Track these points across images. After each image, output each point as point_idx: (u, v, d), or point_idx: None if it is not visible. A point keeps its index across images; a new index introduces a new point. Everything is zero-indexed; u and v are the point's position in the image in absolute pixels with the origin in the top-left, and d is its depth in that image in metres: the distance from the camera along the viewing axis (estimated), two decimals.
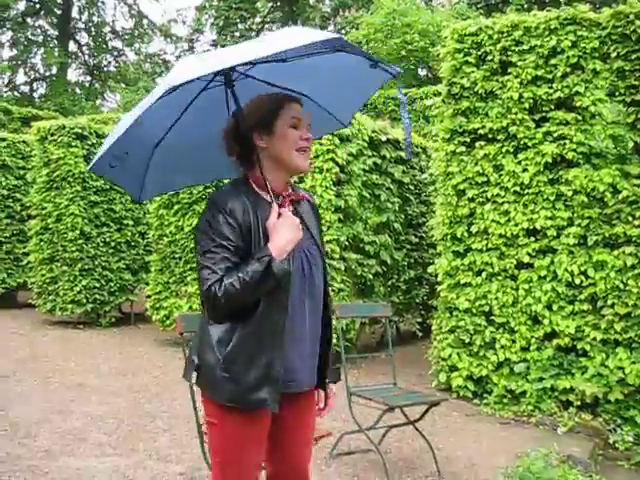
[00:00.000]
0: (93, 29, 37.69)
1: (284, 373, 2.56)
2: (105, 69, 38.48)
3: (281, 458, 2.82)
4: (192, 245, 9.21)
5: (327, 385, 2.87)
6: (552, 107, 6.79)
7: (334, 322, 3.57)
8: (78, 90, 37.00)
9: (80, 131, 11.00)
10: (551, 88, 6.76)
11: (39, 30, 36.58)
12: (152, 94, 2.42)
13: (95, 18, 37.65)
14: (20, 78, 38.10)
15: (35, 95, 36.22)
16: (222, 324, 2.54)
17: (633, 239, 6.31)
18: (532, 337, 6.73)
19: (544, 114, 6.83)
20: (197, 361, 2.60)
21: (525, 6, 19.04)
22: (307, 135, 2.67)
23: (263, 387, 2.52)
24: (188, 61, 2.56)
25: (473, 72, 7.09)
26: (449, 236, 7.24)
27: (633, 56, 6.42)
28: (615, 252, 6.39)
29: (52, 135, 10.98)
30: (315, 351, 2.74)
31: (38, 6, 35.50)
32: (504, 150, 6.94)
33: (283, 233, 2.51)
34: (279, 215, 2.55)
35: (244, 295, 2.45)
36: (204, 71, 2.39)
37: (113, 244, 11.38)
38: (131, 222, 11.69)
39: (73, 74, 38.99)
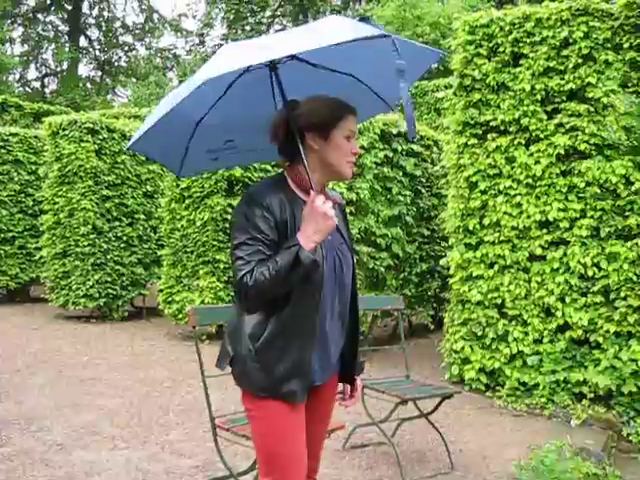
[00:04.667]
0: (104, 24, 37.80)
1: (314, 367, 2.68)
2: (116, 64, 38.59)
3: None
4: (204, 239, 9.23)
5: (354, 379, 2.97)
6: (564, 99, 6.76)
7: None
8: (89, 85, 37.13)
9: (91, 126, 10.99)
10: (563, 79, 6.73)
11: (50, 26, 36.73)
12: (194, 80, 2.40)
13: (105, 13, 37.80)
14: (31, 74, 38.38)
15: (46, 90, 36.38)
16: (256, 316, 2.62)
17: None
18: (545, 329, 6.72)
19: (556, 106, 6.80)
20: (232, 352, 2.69)
21: None
22: (357, 149, 2.73)
23: (293, 379, 2.61)
24: (235, 49, 2.53)
25: (485, 64, 7.06)
26: (461, 228, 7.22)
27: None
28: (628, 244, 6.36)
29: (64, 130, 10.99)
30: (339, 346, 2.82)
31: (49, 2, 35.60)
32: (516, 142, 6.91)
33: (310, 223, 2.50)
34: (311, 206, 2.54)
35: (274, 285, 2.48)
36: (255, 61, 2.37)
37: (125, 238, 11.39)
38: (143, 216, 11.70)
39: (84, 69, 39.24)
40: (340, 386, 3.00)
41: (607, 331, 6.40)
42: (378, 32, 2.33)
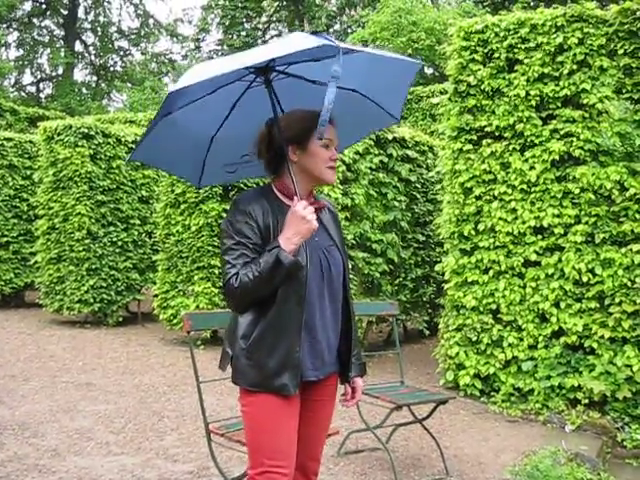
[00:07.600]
0: (99, 29, 37.81)
1: (305, 362, 2.78)
2: (111, 69, 38.61)
3: (298, 449, 2.89)
4: (199, 244, 9.22)
5: (354, 379, 3.04)
6: (559, 105, 6.77)
7: None
8: (84, 90, 37.10)
9: (87, 131, 10.96)
10: (558, 85, 6.74)
11: (45, 30, 36.74)
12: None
13: (101, 18, 37.80)
14: (27, 78, 38.34)
15: (41, 95, 36.40)
16: (247, 316, 2.77)
17: None
18: (540, 335, 6.72)
19: (551, 112, 6.82)
20: (230, 353, 2.82)
21: (531, 3, 19.02)
22: (335, 155, 2.88)
23: (284, 373, 2.73)
24: (213, 62, 2.79)
25: (480, 70, 7.07)
26: (456, 234, 7.23)
27: None
28: (623, 250, 6.37)
29: (59, 135, 10.96)
30: (335, 344, 2.92)
31: (44, 6, 35.59)
32: (511, 148, 6.92)
33: (291, 226, 2.67)
34: (292, 210, 2.69)
35: (258, 285, 2.66)
36: (227, 69, 2.53)
37: (120, 243, 11.35)
38: (138, 221, 11.66)
39: (79, 74, 39.13)
40: (342, 388, 3.07)
41: (602, 337, 6.40)
42: (325, 42, 2.44)
